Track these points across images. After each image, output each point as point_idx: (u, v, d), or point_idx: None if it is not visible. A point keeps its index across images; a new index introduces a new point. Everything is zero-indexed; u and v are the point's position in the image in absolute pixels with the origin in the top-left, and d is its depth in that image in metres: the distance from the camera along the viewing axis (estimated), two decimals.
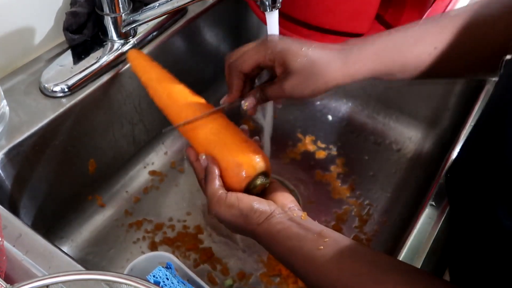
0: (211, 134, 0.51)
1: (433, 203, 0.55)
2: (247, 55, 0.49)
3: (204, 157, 0.49)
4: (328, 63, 0.47)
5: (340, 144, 0.86)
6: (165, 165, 0.81)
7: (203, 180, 0.50)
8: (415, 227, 0.53)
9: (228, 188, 0.49)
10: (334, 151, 0.85)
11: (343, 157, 0.84)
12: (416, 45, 0.48)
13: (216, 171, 0.48)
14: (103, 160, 0.72)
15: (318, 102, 0.92)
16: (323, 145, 0.86)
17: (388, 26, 0.73)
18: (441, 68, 0.49)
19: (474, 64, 0.49)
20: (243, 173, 0.48)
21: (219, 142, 0.50)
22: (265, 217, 0.45)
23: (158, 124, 0.81)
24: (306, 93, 0.48)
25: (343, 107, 0.91)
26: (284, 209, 0.46)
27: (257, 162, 0.49)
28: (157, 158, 0.82)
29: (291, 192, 0.75)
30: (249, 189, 0.49)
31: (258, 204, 0.46)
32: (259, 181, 0.49)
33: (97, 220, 0.73)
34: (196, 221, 0.74)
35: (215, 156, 0.49)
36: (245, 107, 0.50)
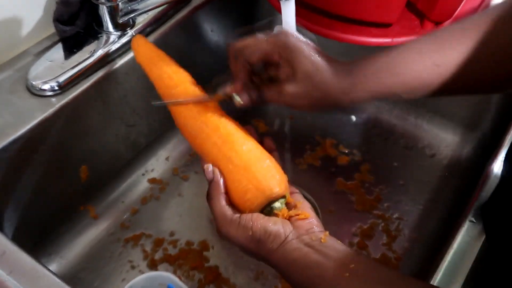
0: (217, 145, 0.50)
1: (473, 219, 0.54)
2: (257, 46, 0.49)
3: (210, 168, 0.49)
4: (333, 79, 0.48)
5: (365, 149, 0.85)
6: (167, 172, 0.81)
7: (207, 195, 0.50)
8: (452, 246, 0.53)
9: (237, 208, 0.49)
10: (358, 157, 0.84)
11: (369, 164, 0.83)
12: (414, 63, 0.48)
13: (222, 188, 0.49)
14: (97, 166, 0.72)
15: None
16: (345, 150, 0.85)
17: (420, 15, 0.72)
18: (450, 85, 0.48)
19: (486, 80, 0.49)
20: (254, 200, 0.48)
21: (225, 156, 0.49)
22: (280, 242, 0.45)
23: (159, 126, 0.81)
24: (305, 105, 0.49)
25: (369, 106, 0.90)
26: (300, 232, 0.46)
27: (272, 187, 0.48)
28: (157, 164, 0.82)
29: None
30: (262, 212, 0.49)
31: (272, 226, 0.46)
32: (274, 208, 0.49)
33: (90, 234, 0.73)
34: (202, 235, 0.74)
35: (222, 171, 0.49)
36: (237, 104, 0.50)
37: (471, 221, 0.54)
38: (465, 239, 0.53)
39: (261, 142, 0.52)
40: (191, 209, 0.77)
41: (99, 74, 0.66)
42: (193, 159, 0.83)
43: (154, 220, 0.76)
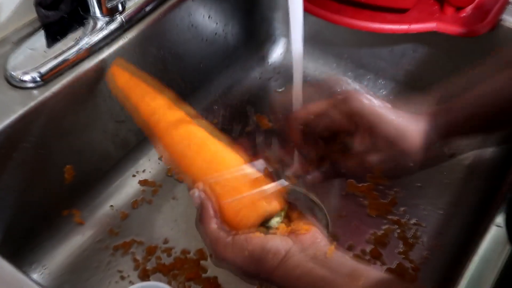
0: (202, 169, 0.52)
1: (499, 224, 0.54)
2: (328, 116, 0.48)
3: (196, 193, 0.50)
4: (419, 139, 0.48)
5: None
6: (160, 173, 0.81)
7: (199, 220, 0.51)
8: (475, 253, 0.52)
9: (230, 228, 0.49)
10: None
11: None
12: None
13: (211, 212, 0.49)
14: (83, 166, 0.72)
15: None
16: None
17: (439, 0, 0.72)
18: None
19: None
20: (247, 220, 0.49)
21: (212, 172, 0.51)
22: (280, 259, 0.45)
23: None
24: (389, 173, 0.49)
25: (385, 99, 0.90)
26: (302, 246, 0.46)
27: (264, 205, 0.49)
28: (149, 165, 0.82)
29: (316, 208, 0.75)
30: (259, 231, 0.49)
31: (270, 242, 0.46)
32: (271, 226, 0.49)
33: (75, 241, 0.73)
34: (199, 243, 0.73)
35: (212, 192, 0.50)
36: (309, 183, 0.51)
37: (497, 225, 0.54)
38: (491, 246, 0.53)
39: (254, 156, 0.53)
40: (187, 214, 0.77)
41: (86, 64, 0.66)
42: None
43: (146, 225, 0.75)
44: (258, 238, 0.46)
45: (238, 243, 0.47)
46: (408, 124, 0.48)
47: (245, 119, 0.87)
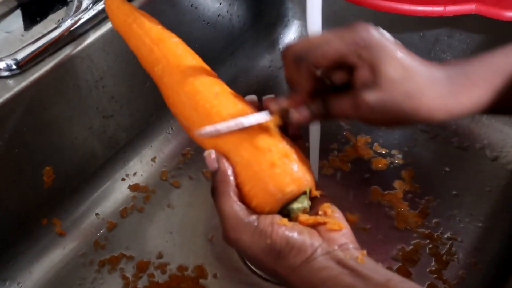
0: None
1: None
2: (329, 45, 0.48)
3: (213, 155, 0.49)
4: (429, 84, 0.46)
5: (408, 149, 0.85)
6: (153, 176, 0.82)
7: (212, 192, 0.49)
8: None
9: (249, 207, 0.48)
10: (399, 159, 0.84)
11: (413, 168, 0.83)
12: None
13: (231, 180, 0.48)
14: (65, 168, 0.72)
15: None
16: (383, 150, 0.85)
17: None
18: None
19: None
20: (263, 207, 0.47)
21: (235, 140, 0.49)
22: (304, 258, 0.45)
23: (143, 117, 0.81)
24: (387, 120, 0.47)
25: None
26: (331, 246, 0.45)
27: (284, 187, 0.47)
28: (141, 166, 0.82)
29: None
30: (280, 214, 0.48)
31: (296, 236, 0.45)
32: (296, 206, 0.48)
33: (55, 255, 0.73)
34: (198, 258, 0.73)
35: (229, 158, 0.49)
36: (295, 120, 0.50)
37: None
38: None
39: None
40: (184, 225, 0.77)
41: (68, 50, 0.66)
42: (187, 160, 0.83)
43: (137, 237, 0.75)
44: (285, 227, 0.45)
45: (261, 227, 0.46)
46: (419, 66, 0.47)
47: None
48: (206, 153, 0.49)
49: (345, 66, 0.48)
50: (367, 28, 0.48)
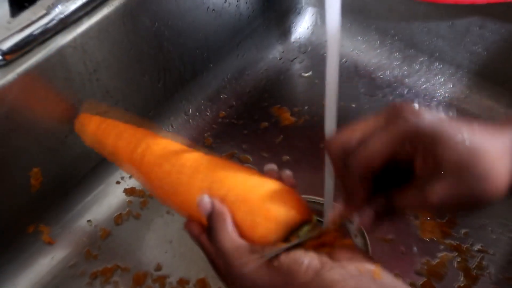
0: (202, 189, 0.53)
1: None
2: (374, 143, 0.47)
3: (206, 198, 0.51)
4: (499, 160, 0.45)
5: None
6: None
7: (208, 234, 0.51)
8: None
9: (252, 241, 0.50)
10: None
11: None
12: None
13: (228, 217, 0.50)
14: (54, 170, 0.72)
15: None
16: None
17: None
18: None
19: None
20: (268, 234, 0.49)
21: (218, 196, 0.52)
22: (315, 272, 0.45)
23: (140, 113, 0.81)
24: (460, 205, 0.47)
25: (442, 88, 0.90)
26: (341, 261, 0.46)
27: (286, 210, 0.50)
28: None
29: (352, 228, 0.74)
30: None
31: (304, 254, 0.46)
32: (301, 233, 0.50)
33: (42, 265, 0.73)
34: (200, 271, 0.73)
35: (225, 201, 0.52)
36: (356, 226, 0.50)
37: None
38: None
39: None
40: (185, 233, 0.75)
41: (59, 39, 0.66)
42: None
43: (133, 247, 0.76)
44: (288, 252, 0.47)
45: (264, 256, 0.47)
46: (485, 141, 0.46)
47: (261, 112, 0.87)
48: (198, 199, 0.52)
49: (401, 160, 0.47)
50: (413, 111, 0.46)
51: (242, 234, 0.50)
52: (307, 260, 0.46)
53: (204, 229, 0.53)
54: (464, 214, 0.78)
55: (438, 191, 0.46)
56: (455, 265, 0.74)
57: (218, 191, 0.52)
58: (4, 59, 0.62)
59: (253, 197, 0.50)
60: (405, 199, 0.48)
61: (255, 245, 0.49)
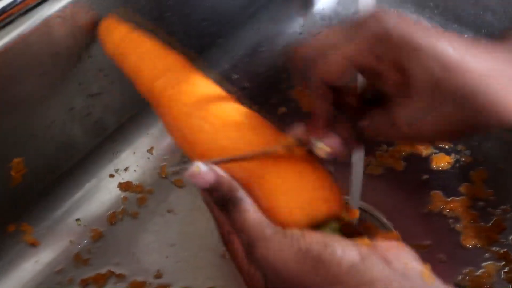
0: (227, 140, 0.52)
1: None
2: (335, 52, 0.47)
3: (203, 167, 0.49)
4: (484, 80, 0.45)
5: (478, 144, 0.85)
6: (150, 172, 0.82)
7: (221, 213, 0.50)
8: None
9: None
10: (466, 157, 0.84)
11: (485, 169, 0.82)
12: None
13: (240, 190, 0.49)
14: (38, 160, 0.72)
15: None
16: (445, 145, 0.85)
17: None
18: None
19: None
20: (305, 207, 0.49)
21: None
22: (351, 264, 0.44)
23: (138, 96, 0.80)
24: (438, 134, 0.47)
25: None
26: (384, 255, 0.45)
27: (330, 196, 0.50)
28: (135, 160, 0.82)
29: (384, 229, 0.75)
30: None
31: (339, 240, 0.45)
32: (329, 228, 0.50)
33: (24, 270, 0.74)
34: (207, 279, 0.73)
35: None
36: (321, 153, 0.50)
37: None
38: None
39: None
40: (189, 235, 0.77)
41: (47, 8, 0.66)
42: None
43: (129, 251, 0.76)
44: (319, 234, 0.46)
45: (291, 236, 0.46)
46: (467, 58, 0.46)
47: (279, 96, 0.87)
48: (194, 168, 0.48)
49: (366, 72, 0.47)
50: (379, 17, 0.46)
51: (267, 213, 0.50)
52: (341, 248, 0.45)
53: None
54: (511, 214, 0.79)
55: (406, 114, 0.46)
56: (503, 276, 0.74)
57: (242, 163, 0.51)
58: None
59: (275, 192, 0.50)
60: (371, 123, 0.48)
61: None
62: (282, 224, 0.48)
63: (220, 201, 0.49)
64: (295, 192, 0.49)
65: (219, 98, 0.56)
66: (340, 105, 0.50)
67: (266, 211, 0.49)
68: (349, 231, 0.50)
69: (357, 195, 0.63)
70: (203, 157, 0.52)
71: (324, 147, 0.49)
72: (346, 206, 0.51)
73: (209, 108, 0.54)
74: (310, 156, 0.51)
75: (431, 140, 0.48)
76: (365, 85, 0.51)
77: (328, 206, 0.49)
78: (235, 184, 0.49)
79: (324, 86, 0.48)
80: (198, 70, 0.59)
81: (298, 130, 0.50)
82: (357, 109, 0.50)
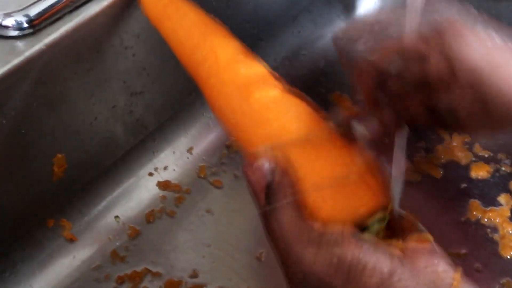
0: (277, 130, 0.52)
1: None
2: (383, 32, 0.48)
3: (267, 164, 0.49)
4: None
5: None
6: (188, 172, 0.82)
7: (265, 196, 0.50)
8: None
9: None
10: (506, 166, 0.83)
11: None
12: None
13: (294, 185, 0.49)
14: (79, 157, 0.73)
15: None
16: (485, 153, 0.84)
17: None
18: None
19: None
20: (350, 204, 0.49)
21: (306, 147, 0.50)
22: (380, 279, 0.45)
23: (179, 96, 0.82)
24: (481, 125, 0.48)
25: None
26: (414, 267, 0.46)
27: (377, 189, 0.50)
28: (174, 159, 0.83)
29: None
30: None
31: (372, 254, 0.45)
32: (372, 223, 0.50)
33: (62, 265, 0.74)
34: (242, 280, 0.74)
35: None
36: (361, 136, 0.50)
37: None
38: None
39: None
40: (226, 236, 0.77)
41: (93, 6, 0.66)
42: (232, 154, 0.84)
43: (166, 249, 0.76)
44: (355, 243, 0.46)
45: (328, 238, 0.46)
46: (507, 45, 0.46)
47: (318, 99, 0.86)
48: (256, 165, 0.49)
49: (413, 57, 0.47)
50: (461, 34, 0.46)
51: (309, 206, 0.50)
52: (373, 263, 0.45)
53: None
54: None
55: (447, 101, 0.46)
56: None
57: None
58: (31, 27, 0.63)
59: (331, 170, 0.50)
60: (415, 110, 0.48)
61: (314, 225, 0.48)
62: (324, 219, 0.48)
63: (270, 193, 0.49)
64: (340, 185, 0.49)
65: (265, 81, 0.55)
66: (383, 89, 0.51)
67: (309, 204, 0.49)
68: (393, 223, 0.51)
69: (399, 183, 0.62)
70: (246, 141, 0.53)
71: (362, 129, 0.49)
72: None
73: (253, 91, 0.54)
74: (354, 143, 0.50)
75: (471, 129, 0.47)
76: (408, 69, 0.50)
77: (374, 198, 0.49)
78: (289, 181, 0.49)
79: (371, 68, 0.48)
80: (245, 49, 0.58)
81: (340, 114, 0.50)
82: (399, 93, 0.50)
